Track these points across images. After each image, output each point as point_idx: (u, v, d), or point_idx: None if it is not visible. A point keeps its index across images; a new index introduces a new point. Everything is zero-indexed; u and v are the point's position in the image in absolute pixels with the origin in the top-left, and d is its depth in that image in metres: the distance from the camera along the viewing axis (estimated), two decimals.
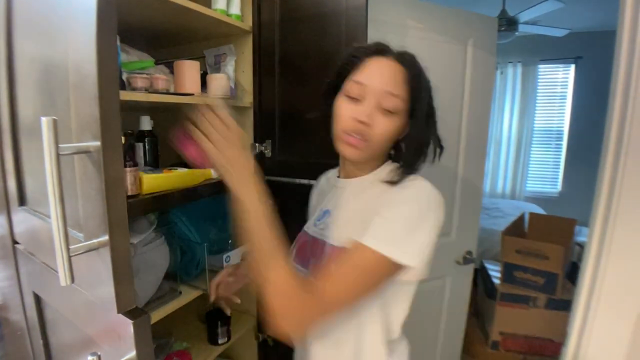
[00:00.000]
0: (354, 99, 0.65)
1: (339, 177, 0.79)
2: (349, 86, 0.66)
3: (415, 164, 0.68)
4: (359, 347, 0.67)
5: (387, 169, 0.71)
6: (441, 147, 0.70)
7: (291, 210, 1.22)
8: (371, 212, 0.62)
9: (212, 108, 0.60)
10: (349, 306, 0.59)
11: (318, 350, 0.71)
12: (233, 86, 1.19)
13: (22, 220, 0.81)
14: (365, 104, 0.64)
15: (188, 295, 1.06)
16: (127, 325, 0.56)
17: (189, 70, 1.01)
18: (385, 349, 0.68)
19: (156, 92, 0.93)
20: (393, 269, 0.59)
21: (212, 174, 1.05)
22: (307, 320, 0.57)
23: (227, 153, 0.59)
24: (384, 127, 0.64)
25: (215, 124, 0.59)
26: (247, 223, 0.58)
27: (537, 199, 4.07)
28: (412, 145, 0.68)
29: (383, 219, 0.60)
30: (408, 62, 0.65)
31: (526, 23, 2.81)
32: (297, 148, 1.15)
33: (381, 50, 0.67)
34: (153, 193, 0.87)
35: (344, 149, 0.66)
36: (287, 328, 0.56)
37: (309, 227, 0.80)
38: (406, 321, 0.73)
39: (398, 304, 0.68)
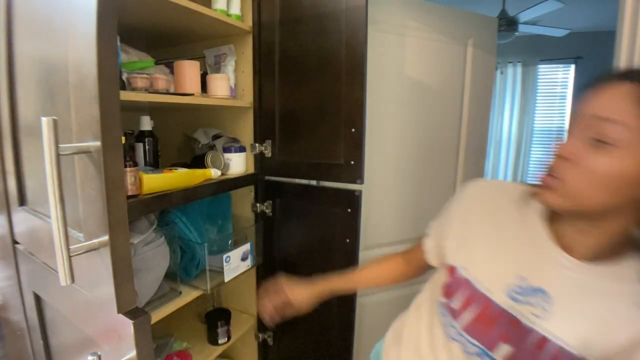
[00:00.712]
0: (569, 134, 0.51)
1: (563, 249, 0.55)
2: None
3: None
4: None
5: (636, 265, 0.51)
6: None
7: (291, 210, 1.23)
8: (623, 322, 0.49)
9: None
10: None
11: None
12: (233, 86, 1.19)
13: (22, 220, 0.81)
14: (572, 136, 0.49)
15: (188, 295, 1.06)
16: (127, 325, 0.56)
17: (189, 70, 1.01)
18: None
19: (156, 92, 0.93)
20: None
21: (212, 174, 1.05)
22: None
23: None
24: (590, 165, 0.46)
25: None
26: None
27: None
28: None
29: None
30: (637, 75, 0.46)
31: (526, 23, 2.81)
32: (297, 148, 1.15)
33: (620, 75, 0.48)
34: (153, 193, 0.87)
35: (538, 194, 0.52)
36: None
37: (493, 292, 0.57)
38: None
39: None
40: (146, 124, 1.06)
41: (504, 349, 0.54)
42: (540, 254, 0.55)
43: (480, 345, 0.56)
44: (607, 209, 0.48)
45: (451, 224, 0.66)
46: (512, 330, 0.54)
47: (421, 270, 0.80)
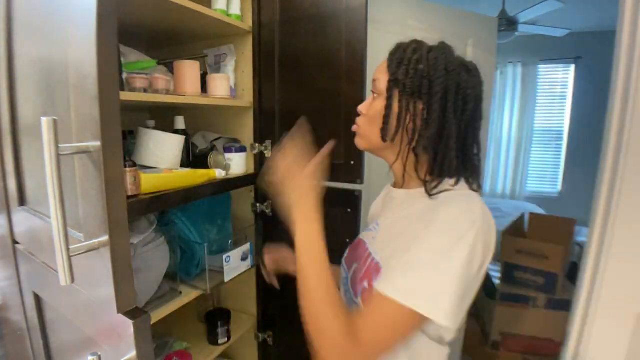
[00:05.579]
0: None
1: (393, 187, 0.75)
2: None
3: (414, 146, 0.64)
4: None
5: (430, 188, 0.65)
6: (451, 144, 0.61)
7: None
8: (408, 233, 0.60)
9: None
10: (384, 354, 0.55)
11: None
12: (233, 86, 1.19)
13: (22, 220, 0.81)
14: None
15: (188, 295, 1.06)
16: (127, 325, 0.55)
17: (189, 70, 1.01)
18: None
19: (156, 92, 0.93)
20: (419, 319, 0.52)
21: (217, 174, 1.05)
22: None
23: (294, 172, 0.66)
24: (368, 111, 0.68)
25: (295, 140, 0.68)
26: (299, 249, 0.60)
27: (537, 199, 4.07)
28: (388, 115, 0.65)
29: (406, 259, 0.55)
30: (394, 47, 0.66)
31: (526, 23, 2.81)
32: None
33: None
34: (153, 193, 0.87)
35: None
36: None
37: (363, 233, 0.79)
38: None
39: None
40: (180, 123, 1.10)
41: (354, 267, 0.72)
42: (385, 201, 0.78)
43: (346, 269, 0.75)
44: (385, 144, 0.66)
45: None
46: (360, 251, 0.72)
47: None
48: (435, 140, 0.62)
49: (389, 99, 0.63)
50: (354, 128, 0.71)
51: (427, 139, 0.62)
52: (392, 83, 0.63)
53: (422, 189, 0.64)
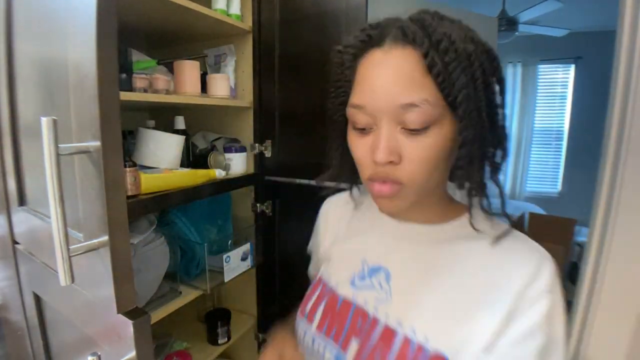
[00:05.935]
0: (363, 130, 0.44)
1: (383, 213, 0.52)
2: (350, 114, 0.44)
3: (479, 183, 0.45)
4: None
5: (474, 217, 0.47)
6: (504, 150, 0.46)
7: (291, 210, 1.23)
8: (473, 299, 0.43)
9: None
10: None
11: None
12: (233, 86, 1.19)
13: (22, 220, 0.80)
14: (378, 134, 0.41)
15: (188, 295, 1.06)
16: (127, 325, 0.55)
17: (189, 70, 1.01)
18: None
19: (156, 92, 0.93)
20: None
21: (217, 174, 1.05)
22: None
23: None
24: (417, 156, 0.41)
25: None
26: None
27: (537, 199, 4.06)
28: (467, 155, 0.43)
29: None
30: (419, 37, 0.40)
31: (526, 23, 2.81)
32: (297, 148, 1.15)
33: (375, 39, 0.43)
34: (153, 193, 0.87)
35: (377, 204, 0.47)
36: None
37: (339, 283, 0.53)
38: None
39: None
40: (180, 123, 1.10)
41: (353, 346, 0.47)
42: (380, 232, 0.53)
43: (335, 345, 0.49)
44: (440, 181, 0.46)
45: (320, 246, 0.65)
46: (361, 322, 0.48)
47: None
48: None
49: (466, 118, 0.40)
50: (390, 191, 0.43)
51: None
52: (459, 95, 0.39)
53: (454, 224, 0.48)
